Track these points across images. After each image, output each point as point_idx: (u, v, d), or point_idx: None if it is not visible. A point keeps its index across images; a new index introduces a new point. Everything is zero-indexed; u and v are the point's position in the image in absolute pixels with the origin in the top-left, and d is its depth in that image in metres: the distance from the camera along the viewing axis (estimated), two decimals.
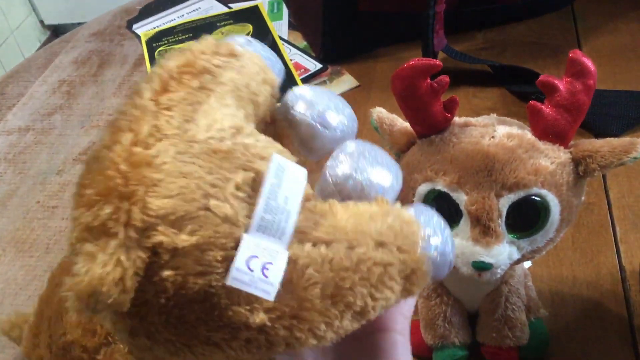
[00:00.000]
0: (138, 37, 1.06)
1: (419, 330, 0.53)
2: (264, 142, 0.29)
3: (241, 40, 0.33)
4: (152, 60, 0.99)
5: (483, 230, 0.42)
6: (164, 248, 0.25)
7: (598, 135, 0.71)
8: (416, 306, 0.53)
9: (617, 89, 0.77)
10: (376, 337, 0.35)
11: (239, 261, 0.25)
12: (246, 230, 0.26)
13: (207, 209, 0.25)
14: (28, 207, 0.77)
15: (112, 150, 0.26)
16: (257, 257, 0.26)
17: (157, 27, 1.07)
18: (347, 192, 0.30)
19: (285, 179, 0.27)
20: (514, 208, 0.42)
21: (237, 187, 0.26)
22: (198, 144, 0.26)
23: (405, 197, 0.46)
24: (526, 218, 0.43)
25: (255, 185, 0.27)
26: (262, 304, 0.26)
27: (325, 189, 0.31)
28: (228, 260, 0.25)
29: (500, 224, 0.42)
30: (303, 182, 0.28)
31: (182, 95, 0.28)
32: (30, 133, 0.89)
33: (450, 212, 0.44)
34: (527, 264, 0.55)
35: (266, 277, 0.26)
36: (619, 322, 0.54)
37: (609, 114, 0.74)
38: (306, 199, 0.29)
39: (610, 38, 0.87)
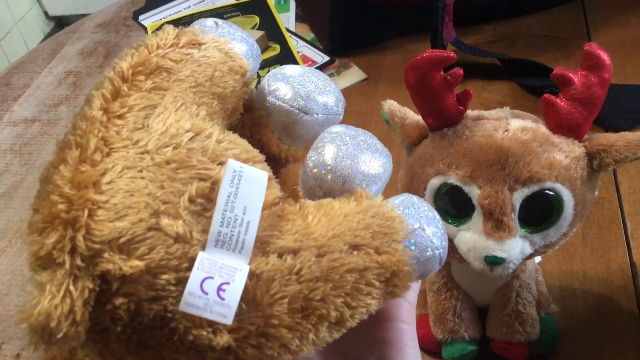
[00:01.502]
0: (144, 28, 1.05)
1: (429, 325, 0.52)
2: (226, 143, 0.26)
3: (209, 24, 0.31)
4: None
5: (496, 224, 0.42)
6: (112, 276, 0.23)
7: (608, 129, 0.71)
8: (426, 300, 0.53)
9: (627, 83, 0.77)
10: (381, 328, 0.34)
11: (192, 285, 0.24)
12: (202, 248, 0.24)
13: (157, 229, 0.24)
14: (34, 198, 0.76)
15: (58, 171, 0.25)
16: (212, 277, 0.24)
17: (164, 18, 1.06)
18: (328, 185, 0.28)
19: (243, 186, 0.25)
20: (527, 202, 0.42)
21: (191, 200, 0.24)
22: (149, 155, 0.25)
23: (416, 190, 0.45)
24: (539, 212, 0.43)
25: (211, 195, 0.25)
26: (225, 325, 0.24)
27: (306, 183, 0.29)
28: (182, 282, 0.24)
29: (513, 218, 0.42)
30: (263, 188, 0.26)
31: (134, 100, 0.26)
32: (36, 124, 0.89)
33: (462, 205, 0.43)
34: (537, 259, 0.55)
35: (222, 299, 0.24)
36: (629, 318, 0.53)
37: (619, 108, 0.73)
38: (272, 203, 0.27)
39: (621, 31, 0.86)
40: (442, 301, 0.51)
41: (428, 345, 0.53)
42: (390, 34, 0.93)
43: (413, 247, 0.28)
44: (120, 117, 0.26)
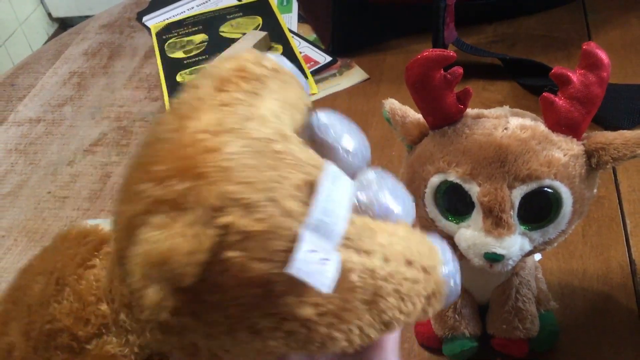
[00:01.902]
0: (148, 29, 1.06)
1: (429, 322, 0.53)
2: (307, 152, 0.29)
3: (274, 58, 0.35)
4: (162, 52, 0.99)
5: (495, 221, 0.43)
6: (234, 229, 0.25)
7: (607, 128, 0.71)
8: None
9: (627, 83, 0.77)
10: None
11: (301, 252, 0.26)
12: (304, 228, 0.27)
13: (274, 200, 0.26)
14: (39, 197, 0.77)
15: (180, 134, 0.27)
16: (316, 251, 0.26)
17: (167, 19, 1.07)
18: (372, 215, 0.31)
19: (338, 187, 0.28)
20: (526, 200, 0.42)
21: (296, 187, 0.27)
22: (259, 142, 0.27)
23: (417, 188, 0.46)
24: (538, 210, 0.43)
25: (309, 188, 0.27)
26: (311, 298, 0.27)
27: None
28: (288, 251, 0.26)
29: (513, 216, 0.43)
30: (351, 193, 0.29)
31: (237, 96, 0.29)
32: (41, 124, 0.90)
33: (462, 203, 0.44)
34: (537, 257, 0.56)
35: (323, 271, 0.27)
36: (628, 315, 0.54)
37: (619, 108, 0.74)
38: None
39: (621, 31, 0.87)
40: None
41: (428, 342, 0.54)
42: (391, 34, 0.93)
43: (446, 276, 0.32)
44: (227, 105, 0.28)
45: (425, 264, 0.31)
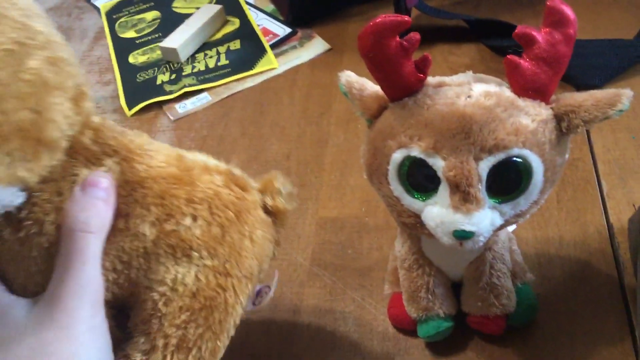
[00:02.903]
0: (97, 9, 1.01)
1: (402, 304, 0.50)
2: None
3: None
4: (113, 32, 0.94)
5: (463, 196, 0.40)
6: None
7: (579, 87, 0.69)
8: (398, 278, 0.51)
9: (597, 38, 0.74)
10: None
11: None
12: None
13: None
14: None
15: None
16: None
17: None
18: None
19: None
20: (494, 171, 0.40)
21: None
22: None
23: (379, 165, 0.43)
24: (508, 181, 0.40)
25: None
26: None
27: None
28: None
29: (481, 189, 0.40)
30: None
31: None
32: None
33: (428, 179, 0.41)
34: (511, 227, 0.53)
35: None
36: (609, 282, 0.52)
37: (589, 65, 0.71)
38: None
39: None
40: (414, 278, 0.49)
41: (402, 324, 0.51)
42: (353, 1, 0.90)
43: None
44: None
45: None
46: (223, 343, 0.39)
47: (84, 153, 0.37)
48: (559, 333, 0.49)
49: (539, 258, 0.54)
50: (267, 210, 0.43)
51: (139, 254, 0.37)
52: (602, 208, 0.57)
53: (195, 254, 0.38)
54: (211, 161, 0.43)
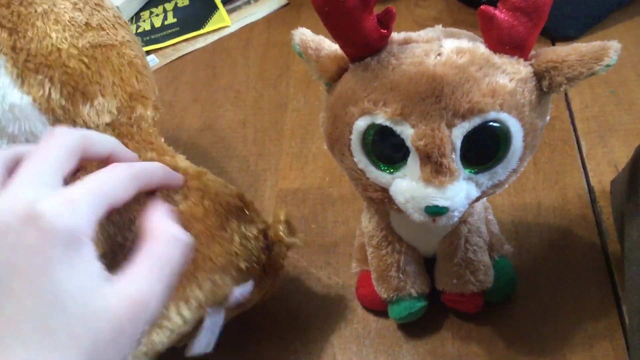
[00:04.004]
0: None
1: (371, 284, 0.46)
2: None
3: None
4: None
5: (435, 168, 0.35)
6: None
7: (555, 39, 0.64)
8: (366, 256, 0.46)
9: None
10: None
11: None
12: None
13: None
14: None
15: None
16: None
17: None
18: None
19: None
20: (469, 139, 0.35)
21: None
22: None
23: (341, 134, 0.38)
24: (484, 149, 0.36)
25: None
26: None
27: None
28: None
29: (455, 159, 0.35)
30: None
31: None
32: None
33: (395, 149, 0.36)
34: None
35: None
36: (590, 249, 0.48)
37: (564, 15, 0.66)
38: None
39: None
40: (384, 257, 0.44)
41: (372, 304, 0.48)
42: None
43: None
44: None
45: None
46: None
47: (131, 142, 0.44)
48: (539, 308, 0.46)
49: (516, 227, 0.50)
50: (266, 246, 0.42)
51: None
52: (581, 170, 0.53)
53: None
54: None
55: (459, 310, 0.46)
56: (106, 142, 0.37)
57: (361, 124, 0.37)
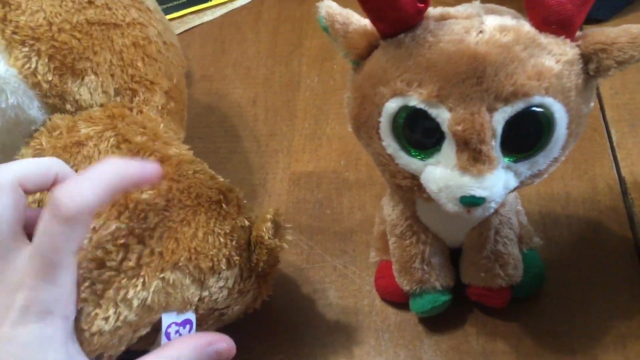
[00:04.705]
0: None
1: (392, 274, 0.44)
2: None
3: None
4: None
5: (473, 155, 0.33)
6: None
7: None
8: (387, 245, 0.44)
9: None
10: None
11: None
12: None
13: None
14: None
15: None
16: None
17: None
18: None
19: None
20: (510, 124, 0.33)
21: None
22: None
23: (369, 117, 0.36)
24: (526, 136, 0.34)
25: None
26: None
27: None
28: None
29: (495, 146, 0.33)
30: None
31: None
32: None
33: (429, 134, 0.34)
34: None
35: None
36: (621, 243, 0.46)
37: None
38: None
39: None
40: (407, 247, 0.42)
41: (392, 296, 0.45)
42: None
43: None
44: None
45: None
46: None
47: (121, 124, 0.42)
48: (568, 304, 0.44)
49: (544, 218, 0.48)
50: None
51: None
52: (612, 159, 0.51)
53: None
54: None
55: (484, 304, 0.43)
56: (46, 170, 0.35)
57: (392, 105, 0.34)
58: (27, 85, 0.41)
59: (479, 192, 0.33)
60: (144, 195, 0.37)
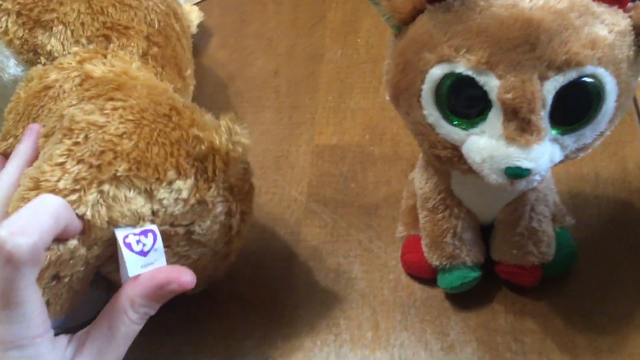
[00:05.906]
0: None
1: (419, 249, 0.43)
2: None
3: None
4: None
5: (521, 125, 0.32)
6: None
7: None
8: (416, 219, 0.43)
9: None
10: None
11: None
12: None
13: None
14: None
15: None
16: None
17: None
18: None
19: None
20: (560, 94, 0.32)
21: None
22: None
23: (411, 83, 0.34)
24: (575, 107, 0.33)
25: None
26: None
27: None
28: None
29: (544, 117, 0.32)
30: None
31: None
32: None
33: (475, 102, 0.33)
34: None
35: None
36: None
37: None
38: None
39: None
40: (439, 221, 0.41)
41: (419, 271, 0.44)
42: None
43: None
44: None
45: None
46: None
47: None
48: (598, 285, 0.43)
49: (573, 198, 0.47)
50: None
51: None
52: None
53: None
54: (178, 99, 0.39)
55: (513, 282, 0.43)
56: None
57: (437, 72, 0.33)
58: (2, 45, 0.43)
59: (525, 164, 0.32)
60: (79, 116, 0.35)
